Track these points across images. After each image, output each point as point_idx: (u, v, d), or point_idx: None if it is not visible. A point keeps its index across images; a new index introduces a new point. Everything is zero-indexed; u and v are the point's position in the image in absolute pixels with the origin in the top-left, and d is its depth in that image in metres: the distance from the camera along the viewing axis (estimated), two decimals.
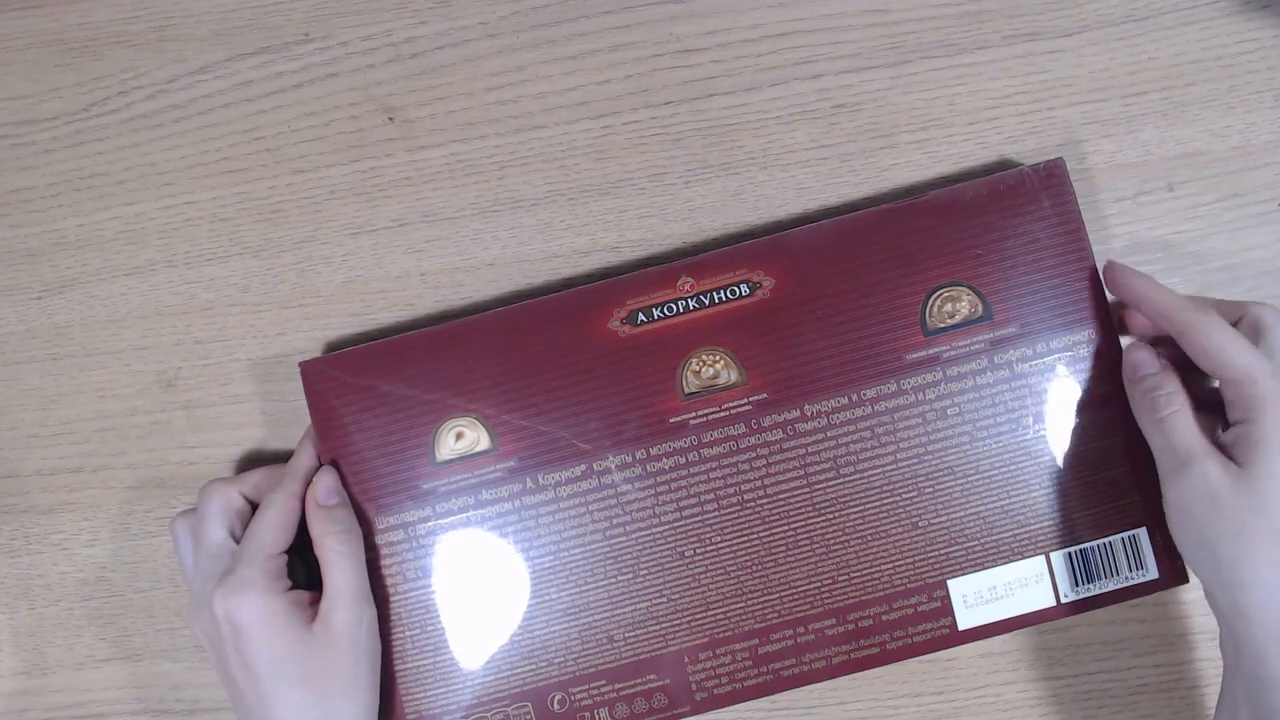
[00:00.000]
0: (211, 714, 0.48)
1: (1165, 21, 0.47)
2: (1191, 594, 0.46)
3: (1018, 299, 0.44)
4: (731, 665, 0.44)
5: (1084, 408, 0.44)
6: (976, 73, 0.47)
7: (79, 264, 0.48)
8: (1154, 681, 0.46)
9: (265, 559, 0.41)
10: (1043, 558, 0.44)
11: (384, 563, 0.44)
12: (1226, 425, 0.40)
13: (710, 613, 0.44)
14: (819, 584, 0.44)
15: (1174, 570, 0.43)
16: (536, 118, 0.47)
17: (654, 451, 0.44)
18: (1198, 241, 0.47)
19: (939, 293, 0.44)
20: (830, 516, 0.44)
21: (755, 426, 0.44)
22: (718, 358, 0.44)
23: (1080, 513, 0.44)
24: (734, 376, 0.44)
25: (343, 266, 0.48)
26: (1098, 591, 0.44)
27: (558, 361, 0.44)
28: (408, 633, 0.44)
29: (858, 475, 0.44)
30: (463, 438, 0.44)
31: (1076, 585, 0.44)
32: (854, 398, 0.44)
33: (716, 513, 0.44)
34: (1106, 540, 0.44)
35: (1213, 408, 0.41)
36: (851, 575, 0.44)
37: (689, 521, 0.44)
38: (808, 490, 0.44)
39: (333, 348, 0.47)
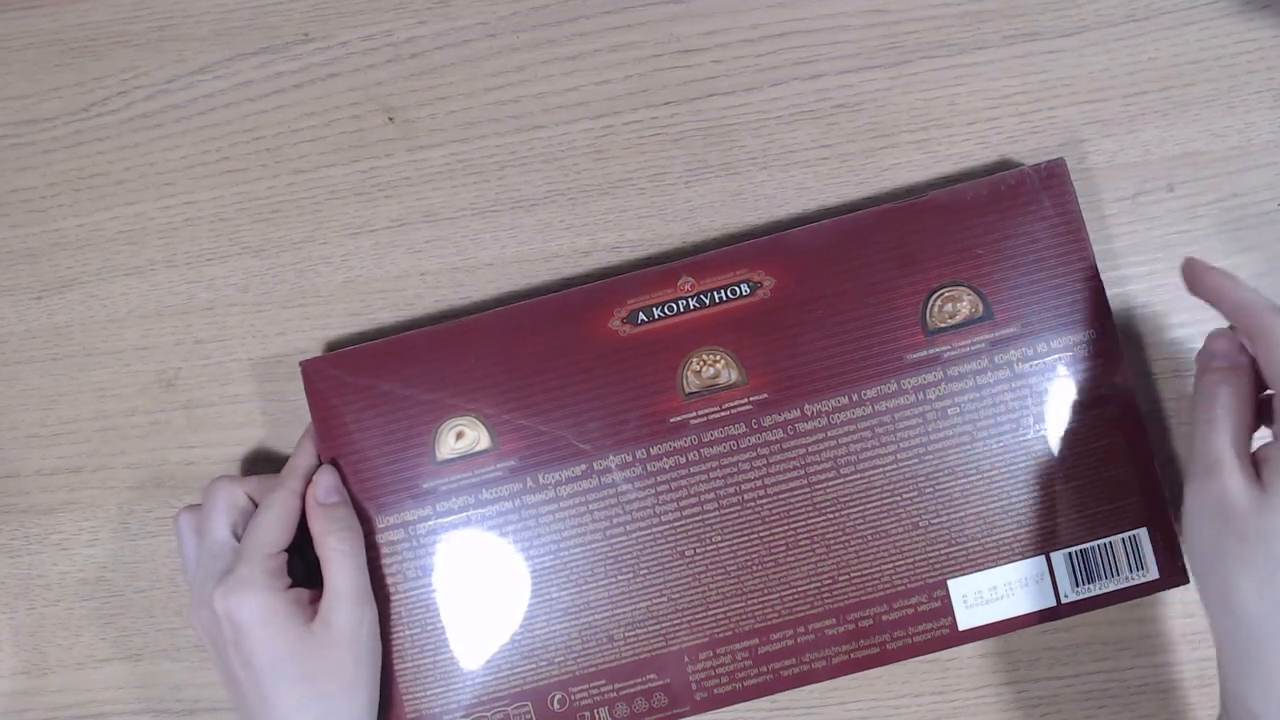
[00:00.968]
0: (211, 714, 0.48)
1: (1165, 22, 0.47)
2: (1191, 594, 0.46)
3: (1018, 299, 0.44)
4: (732, 665, 0.44)
5: (1084, 408, 0.44)
6: (976, 73, 0.47)
7: (79, 264, 0.48)
8: (1154, 681, 0.46)
9: (265, 557, 0.41)
10: (1043, 558, 0.44)
11: (384, 562, 0.44)
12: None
13: (710, 612, 0.44)
14: (819, 584, 0.44)
15: (1174, 570, 0.43)
16: (536, 118, 0.47)
17: (654, 451, 0.44)
18: (1198, 241, 0.47)
19: (939, 293, 0.44)
20: (830, 516, 0.44)
21: (755, 426, 0.44)
22: (718, 357, 0.44)
23: (1080, 513, 0.44)
24: (734, 376, 0.44)
25: (343, 266, 0.48)
26: (1098, 592, 0.44)
27: (558, 361, 0.44)
28: (408, 632, 0.44)
29: (858, 475, 0.44)
30: (463, 437, 0.44)
31: (1077, 585, 0.44)
32: (854, 397, 0.44)
33: (717, 512, 0.44)
34: (1107, 540, 0.43)
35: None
36: (852, 575, 0.44)
37: (689, 521, 0.44)
38: (808, 490, 0.44)
39: (333, 347, 0.47)
